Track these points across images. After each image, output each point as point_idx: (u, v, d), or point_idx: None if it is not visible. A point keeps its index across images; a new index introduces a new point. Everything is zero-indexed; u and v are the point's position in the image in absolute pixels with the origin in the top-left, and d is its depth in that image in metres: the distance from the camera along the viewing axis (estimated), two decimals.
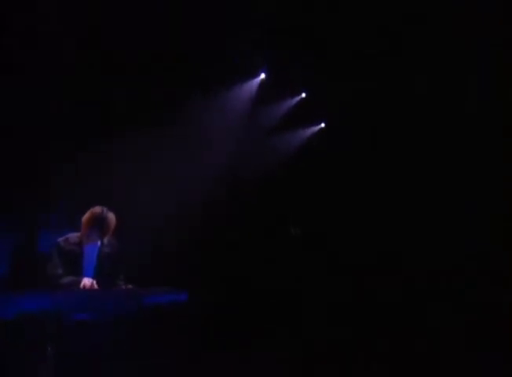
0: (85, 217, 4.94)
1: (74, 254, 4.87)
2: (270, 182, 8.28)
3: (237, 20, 7.08)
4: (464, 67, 7.35)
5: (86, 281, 4.77)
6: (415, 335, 7.29)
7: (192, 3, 6.81)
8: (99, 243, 4.94)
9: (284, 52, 7.58)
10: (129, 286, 4.98)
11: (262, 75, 8.18)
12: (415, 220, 8.16)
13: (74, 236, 4.97)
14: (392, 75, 7.59)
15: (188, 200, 7.22)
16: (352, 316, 7.73)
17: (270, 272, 8.07)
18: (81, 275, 4.83)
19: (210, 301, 7.32)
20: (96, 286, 4.80)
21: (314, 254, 8.41)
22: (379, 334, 7.40)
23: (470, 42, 7.14)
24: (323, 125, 8.89)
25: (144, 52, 6.96)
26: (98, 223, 4.89)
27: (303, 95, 8.55)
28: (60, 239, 4.93)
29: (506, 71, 7.19)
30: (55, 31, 6.52)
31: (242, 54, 7.48)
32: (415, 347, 7.07)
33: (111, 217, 4.97)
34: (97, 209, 4.95)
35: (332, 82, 7.73)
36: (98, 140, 6.89)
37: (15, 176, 6.56)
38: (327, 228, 8.45)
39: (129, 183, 6.87)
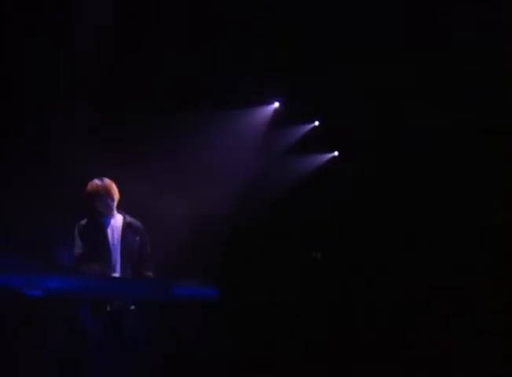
0: (85, 193, 4.85)
1: (95, 232, 4.80)
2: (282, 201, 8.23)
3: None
4: (464, 66, 7.35)
5: None
6: (414, 335, 7.29)
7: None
8: (119, 219, 4.89)
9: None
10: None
11: (276, 104, 8.15)
12: (416, 221, 8.19)
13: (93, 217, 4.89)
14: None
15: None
16: (352, 317, 7.74)
17: (271, 272, 8.07)
18: (106, 251, 4.77)
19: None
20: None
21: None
22: (379, 334, 7.41)
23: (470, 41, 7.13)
24: (336, 153, 8.83)
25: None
26: (99, 192, 4.82)
27: (316, 123, 8.54)
28: (81, 221, 4.86)
29: (506, 71, 7.19)
30: (54, 30, 6.52)
31: (257, 81, 7.45)
32: (414, 347, 7.08)
33: (108, 182, 4.87)
34: (92, 181, 4.87)
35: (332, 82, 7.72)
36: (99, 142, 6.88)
37: (17, 176, 6.56)
38: (328, 230, 8.46)
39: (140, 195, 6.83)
